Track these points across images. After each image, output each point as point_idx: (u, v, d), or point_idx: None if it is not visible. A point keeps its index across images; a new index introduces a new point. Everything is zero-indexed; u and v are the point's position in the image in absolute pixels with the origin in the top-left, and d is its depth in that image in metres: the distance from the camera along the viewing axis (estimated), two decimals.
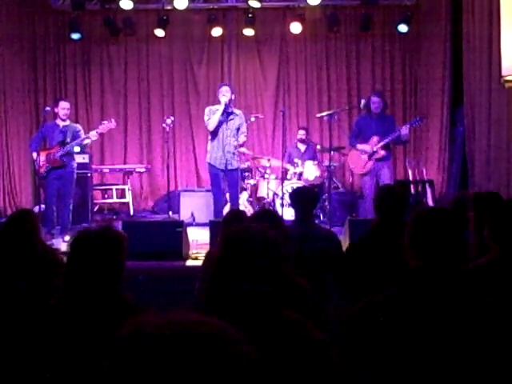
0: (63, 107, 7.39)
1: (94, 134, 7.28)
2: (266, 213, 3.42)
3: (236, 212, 4.35)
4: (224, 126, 7.23)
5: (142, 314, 0.78)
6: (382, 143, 7.31)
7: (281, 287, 1.67)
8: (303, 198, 4.07)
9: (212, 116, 7.19)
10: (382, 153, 7.35)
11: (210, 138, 7.42)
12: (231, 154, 7.25)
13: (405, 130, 7.34)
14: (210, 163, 7.37)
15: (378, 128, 7.39)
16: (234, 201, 7.39)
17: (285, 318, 1.63)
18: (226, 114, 7.21)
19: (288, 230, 3.36)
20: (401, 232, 3.36)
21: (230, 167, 7.26)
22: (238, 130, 7.32)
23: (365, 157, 7.41)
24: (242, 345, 0.76)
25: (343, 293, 3.52)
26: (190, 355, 0.71)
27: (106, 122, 7.51)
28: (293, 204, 4.27)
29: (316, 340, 1.61)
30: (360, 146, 7.47)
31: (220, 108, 7.15)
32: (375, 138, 7.35)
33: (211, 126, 7.21)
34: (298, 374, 1.53)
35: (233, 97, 7.29)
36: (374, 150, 7.33)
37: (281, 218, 3.36)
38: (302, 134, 9.26)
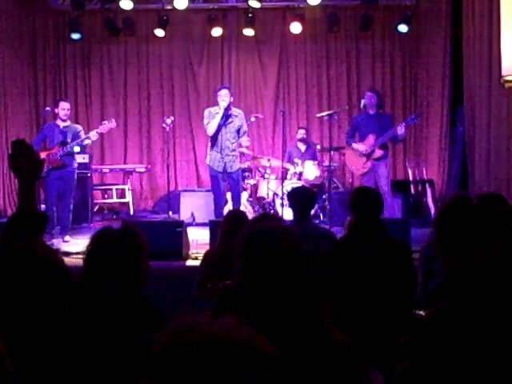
0: (63, 108, 7.39)
1: (94, 134, 7.28)
2: (267, 216, 3.42)
3: (236, 213, 4.35)
4: (223, 129, 7.19)
5: (180, 320, 0.79)
6: (378, 142, 7.23)
7: (307, 284, 1.67)
8: (301, 198, 4.08)
9: (211, 120, 7.13)
10: (380, 152, 7.30)
11: (209, 139, 7.41)
12: (230, 156, 7.22)
13: (401, 130, 7.21)
14: (209, 165, 7.37)
15: (374, 126, 7.30)
16: (236, 201, 7.40)
17: (312, 317, 1.63)
18: (225, 117, 7.16)
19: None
20: (377, 231, 3.36)
21: (229, 170, 7.24)
22: (238, 131, 7.29)
23: (363, 157, 7.36)
24: (274, 356, 0.77)
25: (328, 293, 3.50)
26: (222, 366, 0.72)
27: (106, 122, 7.51)
28: (291, 204, 4.28)
29: (342, 341, 1.61)
30: (355, 146, 7.41)
31: (219, 113, 7.09)
32: (371, 137, 7.28)
33: (210, 131, 7.17)
34: (322, 373, 1.53)
35: (231, 99, 7.24)
36: (370, 151, 7.28)
37: (282, 220, 3.36)
38: (301, 133, 9.25)
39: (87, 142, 7.37)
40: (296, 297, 1.63)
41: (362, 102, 7.95)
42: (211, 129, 7.14)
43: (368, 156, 7.33)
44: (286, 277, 1.63)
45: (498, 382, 1.55)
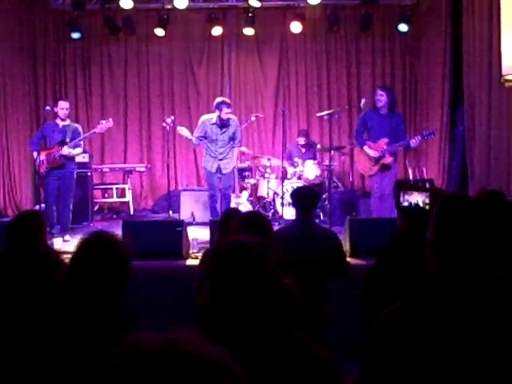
0: (62, 107, 7.38)
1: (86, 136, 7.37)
2: (254, 217, 3.36)
3: (232, 211, 4.34)
4: (218, 137, 7.50)
5: (135, 335, 0.78)
6: (389, 149, 7.08)
7: (271, 301, 1.65)
8: (304, 197, 4.07)
9: (199, 136, 7.50)
10: (390, 159, 7.14)
11: (206, 142, 7.63)
12: (225, 160, 7.55)
13: (415, 144, 7.09)
14: (204, 167, 7.74)
15: (386, 128, 7.11)
16: (227, 201, 7.61)
17: (285, 338, 1.61)
18: (221, 126, 7.46)
19: (274, 236, 3.32)
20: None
21: (224, 171, 7.58)
22: (231, 137, 7.56)
23: (372, 160, 7.19)
24: (235, 373, 0.76)
25: (372, 301, 3.45)
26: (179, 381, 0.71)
27: (103, 122, 7.51)
28: (293, 203, 4.27)
29: (318, 357, 1.59)
30: (367, 150, 7.19)
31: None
32: (382, 142, 7.09)
33: (193, 145, 7.90)
34: None
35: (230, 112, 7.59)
36: (379, 156, 7.10)
37: (269, 222, 3.32)
38: (302, 140, 9.11)
39: (79, 150, 7.45)
40: (264, 313, 1.60)
41: (362, 101, 7.93)
42: (194, 145, 7.92)
43: (377, 160, 7.17)
44: (251, 293, 1.61)
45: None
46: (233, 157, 7.66)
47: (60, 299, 2.06)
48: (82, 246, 2.15)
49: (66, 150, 7.16)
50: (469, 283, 1.62)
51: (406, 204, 3.57)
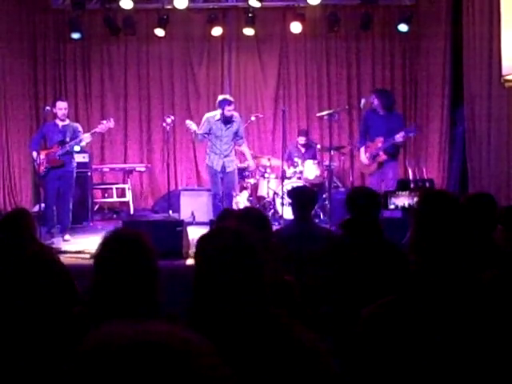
0: (60, 107, 7.37)
1: (87, 136, 7.28)
2: (249, 212, 3.36)
3: (228, 211, 4.34)
4: (222, 133, 7.51)
5: (107, 324, 0.78)
6: (382, 147, 7.29)
7: (261, 287, 1.61)
8: (302, 197, 4.07)
9: (202, 132, 7.48)
10: (383, 157, 7.30)
11: (208, 141, 7.63)
12: (228, 157, 7.57)
13: (399, 138, 7.23)
14: (208, 165, 7.70)
15: (383, 127, 7.29)
16: (229, 201, 7.61)
17: (272, 321, 1.58)
18: (225, 122, 7.47)
19: (272, 231, 3.32)
20: (373, 231, 3.31)
21: (227, 170, 7.58)
22: (235, 133, 7.58)
23: (369, 159, 7.42)
24: (209, 359, 0.75)
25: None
26: (151, 370, 0.71)
27: (104, 122, 7.51)
28: (291, 203, 4.27)
29: (305, 342, 1.57)
30: (362, 154, 7.52)
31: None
32: (378, 140, 7.30)
33: (196, 141, 8.09)
34: (288, 377, 1.49)
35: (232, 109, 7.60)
36: (374, 154, 7.34)
37: (266, 217, 3.30)
38: (302, 140, 9.14)
39: (83, 143, 7.38)
40: (248, 302, 1.56)
41: (362, 101, 7.97)
42: (197, 141, 8.13)
43: (374, 158, 7.37)
44: (236, 281, 1.57)
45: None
46: (242, 156, 7.91)
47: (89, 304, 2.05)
48: (104, 247, 2.12)
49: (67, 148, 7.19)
50: (449, 281, 1.63)
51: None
